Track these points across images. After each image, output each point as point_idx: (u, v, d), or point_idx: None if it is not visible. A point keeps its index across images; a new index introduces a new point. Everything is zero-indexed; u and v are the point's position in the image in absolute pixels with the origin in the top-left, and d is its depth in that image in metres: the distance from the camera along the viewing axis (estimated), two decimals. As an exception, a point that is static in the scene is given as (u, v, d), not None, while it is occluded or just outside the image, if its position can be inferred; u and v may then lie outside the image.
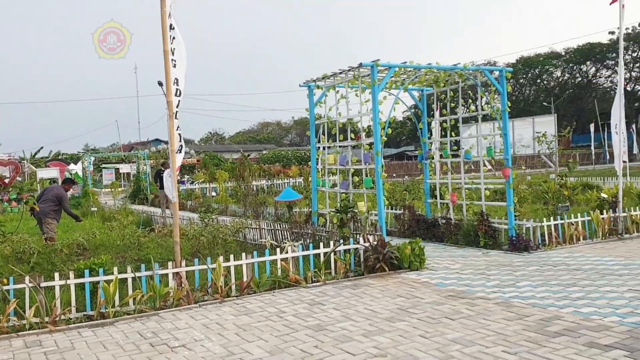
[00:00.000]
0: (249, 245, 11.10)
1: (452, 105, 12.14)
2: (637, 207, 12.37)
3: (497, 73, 11.65)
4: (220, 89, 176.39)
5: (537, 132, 41.17)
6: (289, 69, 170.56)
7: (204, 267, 7.95)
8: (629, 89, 72.52)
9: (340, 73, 10.89)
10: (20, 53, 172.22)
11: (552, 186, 14.82)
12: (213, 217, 12.68)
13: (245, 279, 8.05)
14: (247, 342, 5.81)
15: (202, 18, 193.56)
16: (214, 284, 7.78)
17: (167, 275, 7.71)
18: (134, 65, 79.49)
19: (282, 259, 8.52)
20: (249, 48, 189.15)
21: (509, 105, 11.32)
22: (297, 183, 28.81)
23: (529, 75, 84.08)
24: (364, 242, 9.14)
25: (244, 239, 11.48)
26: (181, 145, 8.21)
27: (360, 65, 10.13)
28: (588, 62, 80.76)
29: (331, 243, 8.97)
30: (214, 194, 28.52)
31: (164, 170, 17.57)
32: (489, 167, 18.20)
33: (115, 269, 7.36)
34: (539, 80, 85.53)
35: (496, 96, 11.39)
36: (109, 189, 34.78)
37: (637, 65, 77.18)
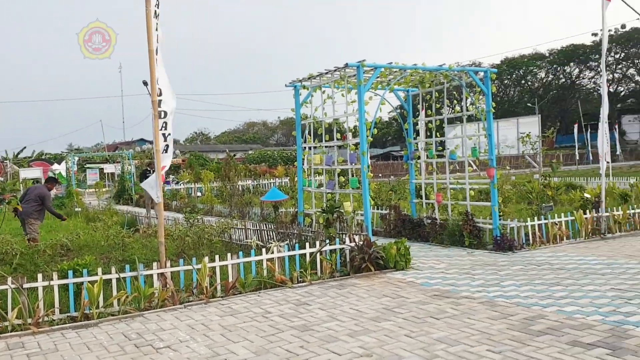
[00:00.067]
0: (235, 245, 11.06)
1: (438, 105, 12.20)
2: (620, 207, 12.53)
3: (481, 74, 11.75)
4: (206, 88, 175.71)
5: (521, 133, 41.49)
6: (275, 69, 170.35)
7: (189, 267, 7.91)
8: (611, 89, 73.46)
9: (327, 73, 10.90)
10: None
11: (536, 186, 14.97)
12: (198, 217, 12.61)
13: (230, 279, 8.03)
14: (233, 342, 5.80)
15: (186, 17, 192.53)
16: (199, 284, 7.74)
17: (151, 276, 7.67)
18: (119, 64, 78.68)
19: (268, 260, 8.51)
20: (235, 47, 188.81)
21: (494, 105, 11.41)
22: (283, 183, 28.76)
23: (514, 76, 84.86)
24: (350, 242, 9.15)
25: (230, 240, 11.45)
26: (167, 145, 8.18)
27: (346, 65, 10.15)
28: (571, 64, 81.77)
29: (317, 243, 8.97)
30: (199, 194, 28.35)
31: (149, 170, 17.48)
32: (474, 167, 18.31)
33: (100, 270, 7.30)
34: (523, 81, 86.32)
35: (481, 97, 11.46)
36: (93, 189, 34.42)
37: (620, 66, 78.22)
